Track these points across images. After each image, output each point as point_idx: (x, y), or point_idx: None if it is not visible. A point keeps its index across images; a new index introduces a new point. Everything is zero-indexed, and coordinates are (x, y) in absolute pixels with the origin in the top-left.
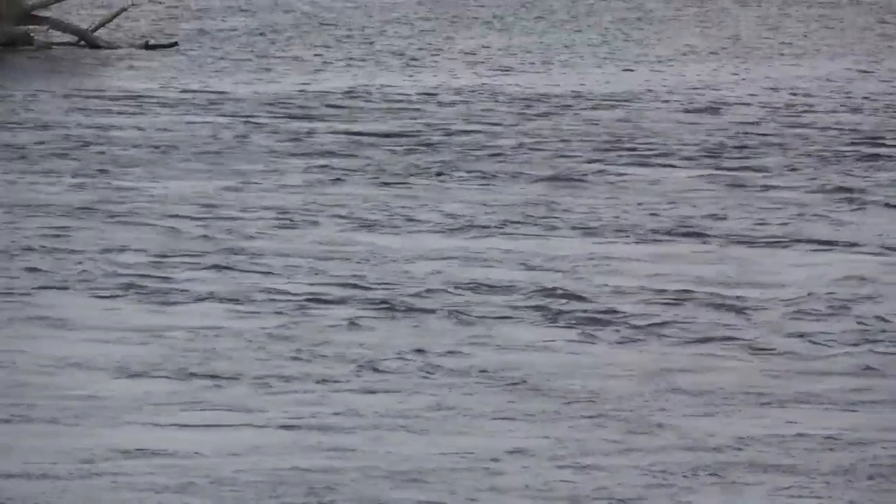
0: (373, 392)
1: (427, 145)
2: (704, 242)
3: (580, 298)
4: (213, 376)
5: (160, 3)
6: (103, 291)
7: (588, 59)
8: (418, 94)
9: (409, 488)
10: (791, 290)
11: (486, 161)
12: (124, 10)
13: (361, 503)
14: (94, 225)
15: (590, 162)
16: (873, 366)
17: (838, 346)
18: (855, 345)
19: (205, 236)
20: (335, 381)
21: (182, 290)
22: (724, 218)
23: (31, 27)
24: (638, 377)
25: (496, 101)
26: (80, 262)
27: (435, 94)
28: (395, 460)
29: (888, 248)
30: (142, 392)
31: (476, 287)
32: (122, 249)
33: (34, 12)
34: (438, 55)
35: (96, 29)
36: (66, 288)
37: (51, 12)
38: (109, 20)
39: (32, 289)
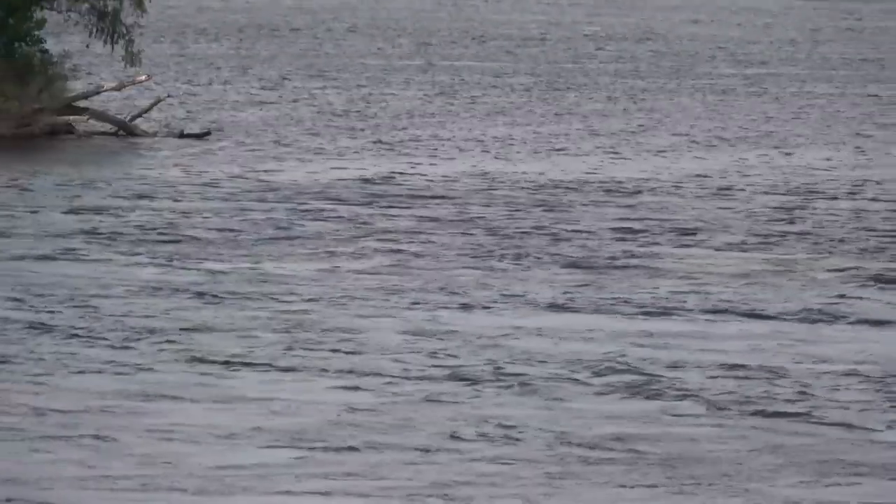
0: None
1: (484, 228)
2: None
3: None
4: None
5: (193, 95)
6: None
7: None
8: (444, 178)
9: None
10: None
11: (535, 244)
12: (160, 101)
13: None
14: (199, 305)
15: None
16: None
17: None
18: None
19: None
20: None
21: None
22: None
23: (72, 117)
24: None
25: (520, 188)
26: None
27: (456, 180)
28: None
29: None
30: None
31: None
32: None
33: (75, 103)
34: (450, 142)
35: (134, 119)
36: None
37: (90, 103)
38: (146, 111)
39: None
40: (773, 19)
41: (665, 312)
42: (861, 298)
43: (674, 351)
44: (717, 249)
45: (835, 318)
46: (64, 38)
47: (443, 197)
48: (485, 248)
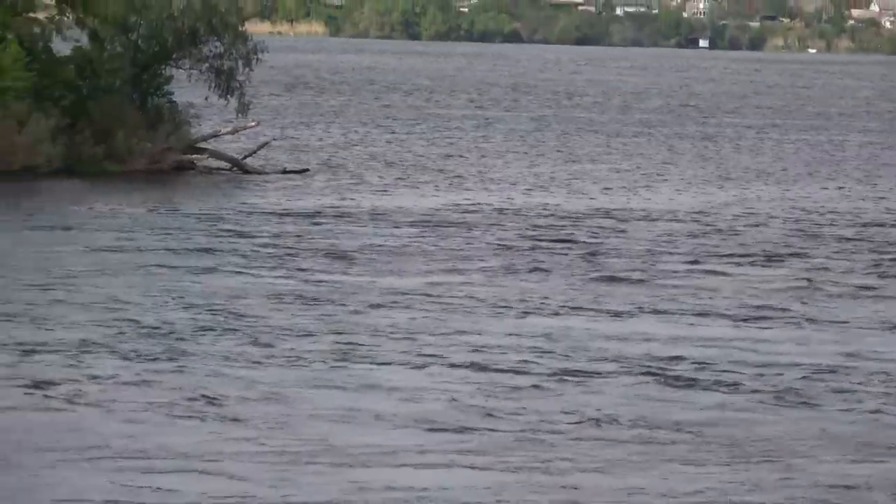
0: None
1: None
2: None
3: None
4: None
5: (293, 138)
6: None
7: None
8: (506, 208)
9: None
10: None
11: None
12: (266, 143)
13: None
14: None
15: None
16: None
17: None
18: None
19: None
20: None
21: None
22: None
23: (194, 156)
24: None
25: (572, 216)
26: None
27: (517, 210)
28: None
29: None
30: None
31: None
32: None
33: (197, 144)
34: (505, 178)
35: (245, 158)
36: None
37: (209, 145)
38: (255, 151)
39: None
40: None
41: (712, 318)
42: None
43: (723, 350)
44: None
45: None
46: (188, 91)
47: (506, 222)
48: (553, 263)
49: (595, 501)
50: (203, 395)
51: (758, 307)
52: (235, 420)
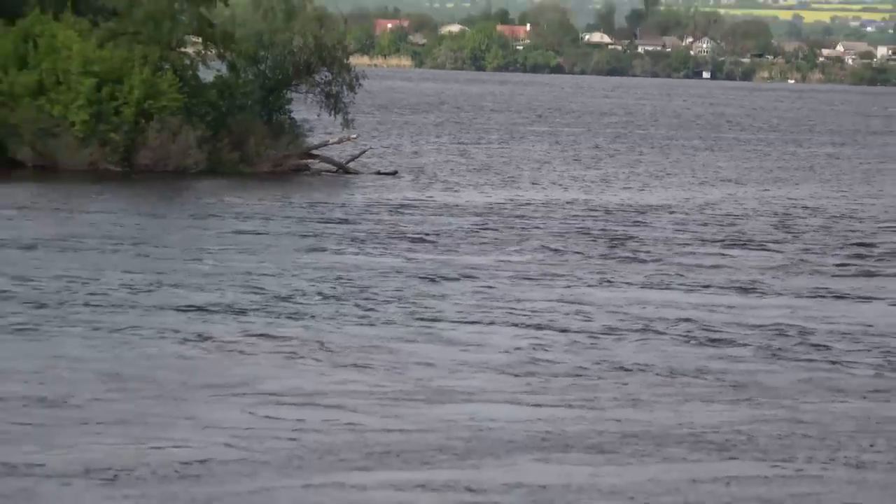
0: None
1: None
2: None
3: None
4: None
5: (385, 147)
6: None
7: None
8: (558, 203)
9: None
10: None
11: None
12: (364, 151)
13: None
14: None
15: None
16: None
17: None
18: None
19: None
20: None
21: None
22: None
23: (308, 160)
24: None
25: (617, 210)
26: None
27: (571, 203)
28: None
29: None
30: None
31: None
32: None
33: (310, 151)
34: (558, 179)
35: (348, 162)
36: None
37: (320, 152)
38: (356, 157)
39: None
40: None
41: (715, 288)
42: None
43: (726, 314)
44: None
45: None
46: (304, 110)
47: (551, 213)
48: (589, 245)
49: (631, 430)
50: (323, 347)
51: (751, 281)
52: (349, 366)
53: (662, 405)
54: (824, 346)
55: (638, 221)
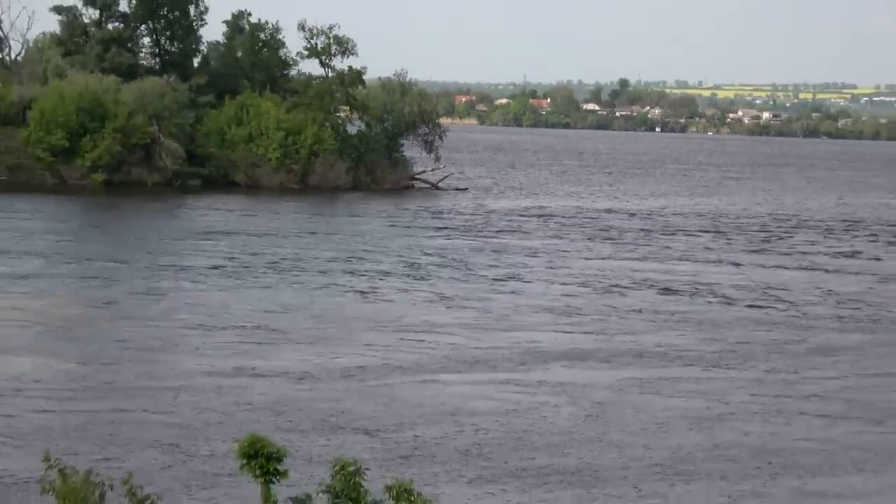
0: None
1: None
2: None
3: None
4: None
5: (461, 173)
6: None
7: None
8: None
9: None
10: None
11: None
12: (448, 175)
13: None
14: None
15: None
16: None
17: None
18: None
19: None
20: None
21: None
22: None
23: (413, 181)
24: None
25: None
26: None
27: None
28: None
29: None
30: None
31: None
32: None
33: (415, 176)
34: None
35: (438, 182)
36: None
37: (420, 176)
38: (442, 179)
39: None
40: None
41: (699, 262)
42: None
43: (711, 276)
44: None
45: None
46: (410, 150)
47: (580, 215)
48: (611, 235)
49: (653, 350)
50: (438, 296)
51: (687, 251)
52: (454, 307)
53: (652, 332)
54: (787, 300)
55: (638, 219)
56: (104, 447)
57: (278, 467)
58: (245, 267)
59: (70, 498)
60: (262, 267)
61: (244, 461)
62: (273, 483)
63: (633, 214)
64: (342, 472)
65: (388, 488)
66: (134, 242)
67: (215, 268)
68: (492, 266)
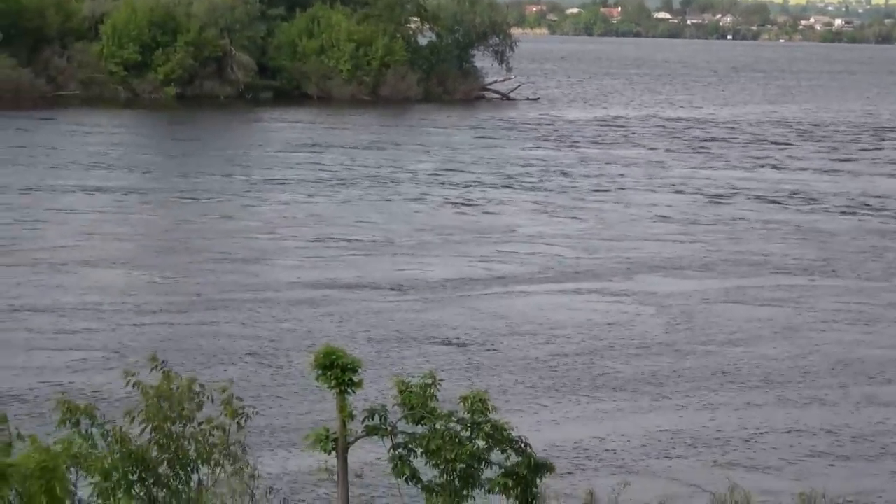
0: None
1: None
2: None
3: None
4: None
5: (532, 83)
6: None
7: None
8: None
9: None
10: None
11: None
12: (519, 85)
13: None
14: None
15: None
16: None
17: None
18: None
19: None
20: None
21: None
22: None
23: (484, 91)
24: None
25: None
26: None
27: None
28: None
29: None
30: None
31: None
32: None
33: (486, 86)
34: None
35: (509, 93)
36: None
37: (491, 86)
38: (514, 90)
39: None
40: None
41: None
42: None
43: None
44: None
45: None
46: (481, 61)
47: (647, 123)
48: (680, 144)
49: (746, 259)
50: (535, 206)
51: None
52: (551, 217)
53: (747, 241)
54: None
55: (714, 128)
56: (195, 358)
57: (353, 378)
58: (337, 179)
59: (168, 399)
60: (352, 179)
61: (319, 372)
62: (348, 393)
63: (714, 123)
64: (416, 384)
65: (463, 399)
66: (217, 156)
67: (305, 181)
68: (584, 176)
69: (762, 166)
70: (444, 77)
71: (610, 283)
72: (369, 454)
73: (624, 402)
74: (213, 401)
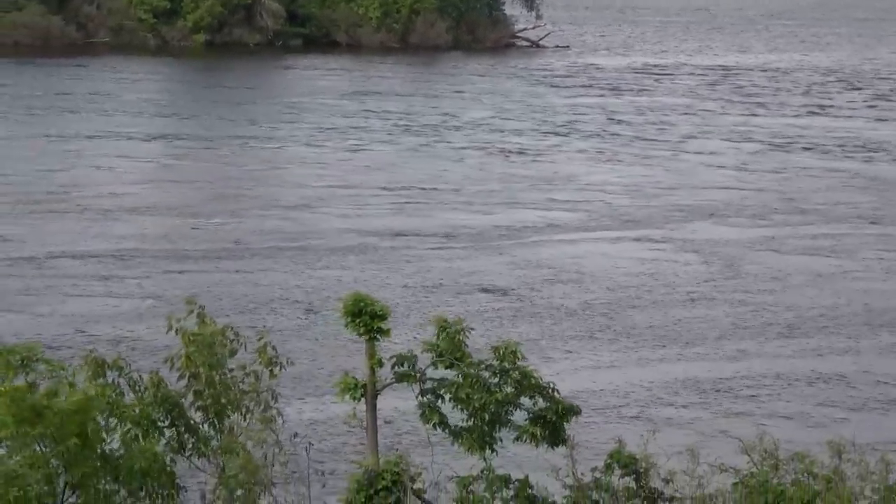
0: None
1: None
2: None
3: None
4: None
5: (561, 31)
6: None
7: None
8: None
9: None
10: None
11: None
12: (549, 33)
13: None
14: None
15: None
16: None
17: None
18: None
19: None
20: None
21: None
22: None
23: (514, 39)
24: None
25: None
26: None
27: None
28: None
29: None
30: None
31: None
32: None
33: (515, 33)
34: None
35: (539, 40)
36: None
37: (521, 34)
38: (543, 37)
39: None
40: None
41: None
42: None
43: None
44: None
45: None
46: (511, 8)
47: (680, 71)
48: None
49: (797, 206)
50: (585, 154)
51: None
52: (602, 165)
53: (800, 190)
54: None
55: (757, 75)
56: (234, 305)
57: (381, 325)
58: (381, 127)
59: (198, 343)
60: (397, 127)
61: (348, 319)
62: (377, 340)
63: (753, 71)
64: (446, 331)
65: (495, 349)
66: (255, 104)
67: (349, 128)
68: (633, 124)
69: (811, 114)
70: (473, 25)
71: (658, 230)
72: (399, 401)
73: (655, 350)
74: (245, 348)
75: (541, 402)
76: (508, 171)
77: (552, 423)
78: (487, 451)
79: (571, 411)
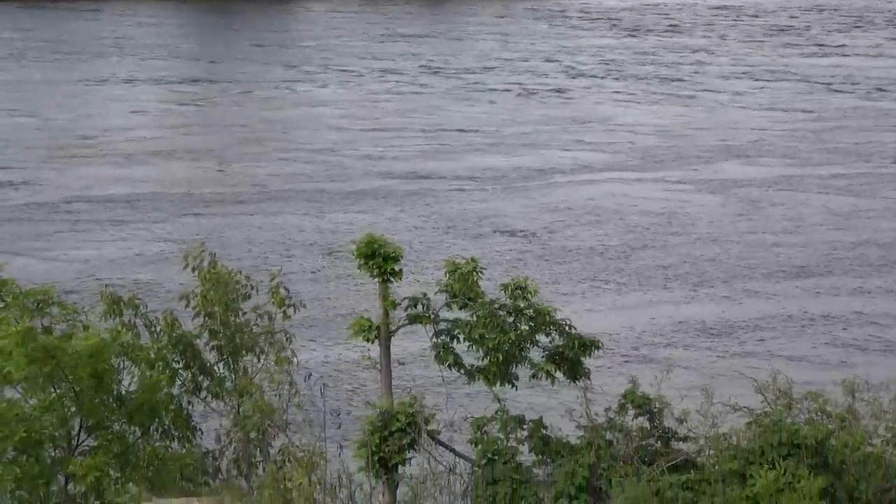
0: None
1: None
2: None
3: None
4: None
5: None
6: None
7: None
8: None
9: None
10: None
11: None
12: None
13: None
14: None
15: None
16: None
17: None
18: None
19: None
20: None
21: None
22: None
23: None
24: None
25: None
26: None
27: None
28: None
29: None
30: None
31: None
32: None
33: None
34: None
35: None
36: None
37: None
38: None
39: None
40: None
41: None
42: None
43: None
44: None
45: None
46: None
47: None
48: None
49: (824, 147)
50: (618, 95)
51: None
52: (634, 107)
53: (831, 129)
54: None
55: (798, 15)
56: (250, 249)
57: (395, 267)
58: (403, 69)
59: (213, 282)
60: (419, 69)
61: (362, 261)
62: (390, 282)
63: (767, 11)
64: (457, 272)
65: (504, 286)
66: (270, 47)
67: (369, 70)
68: (659, 65)
69: (845, 55)
70: None
71: (685, 171)
72: (412, 342)
73: (668, 292)
74: (257, 291)
75: (557, 339)
76: (542, 112)
77: (569, 359)
78: (500, 391)
79: (592, 345)
